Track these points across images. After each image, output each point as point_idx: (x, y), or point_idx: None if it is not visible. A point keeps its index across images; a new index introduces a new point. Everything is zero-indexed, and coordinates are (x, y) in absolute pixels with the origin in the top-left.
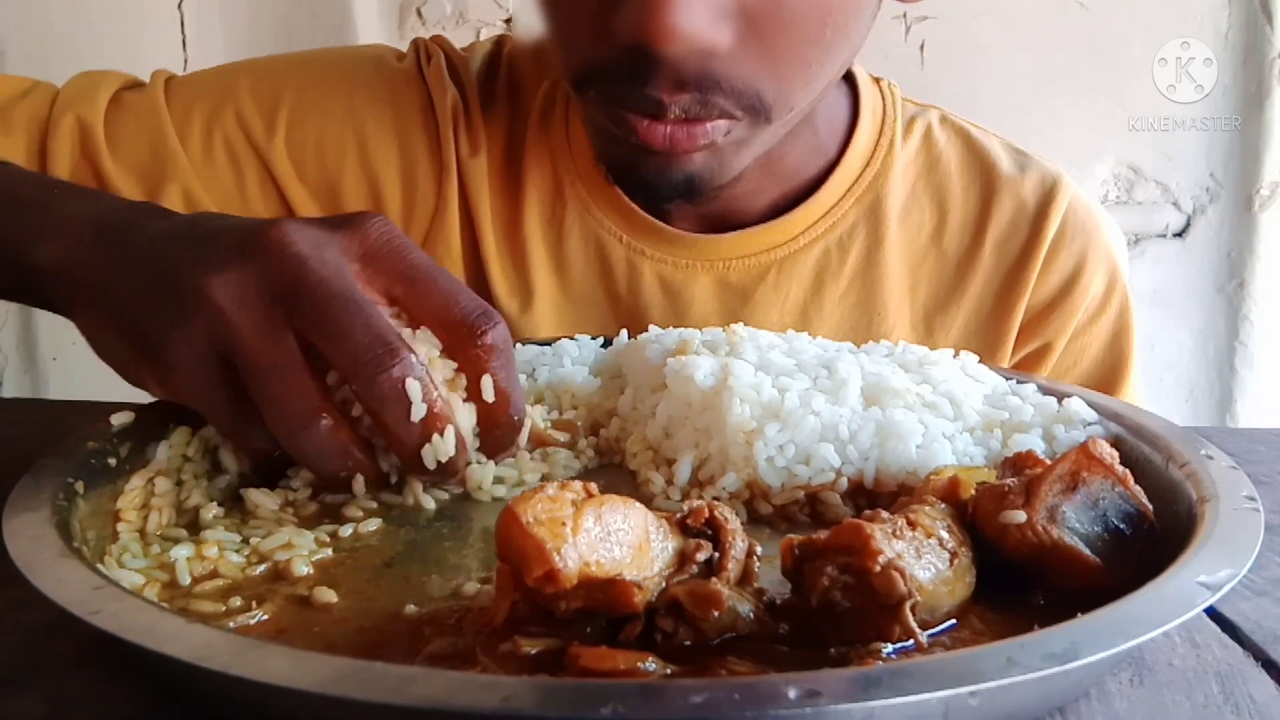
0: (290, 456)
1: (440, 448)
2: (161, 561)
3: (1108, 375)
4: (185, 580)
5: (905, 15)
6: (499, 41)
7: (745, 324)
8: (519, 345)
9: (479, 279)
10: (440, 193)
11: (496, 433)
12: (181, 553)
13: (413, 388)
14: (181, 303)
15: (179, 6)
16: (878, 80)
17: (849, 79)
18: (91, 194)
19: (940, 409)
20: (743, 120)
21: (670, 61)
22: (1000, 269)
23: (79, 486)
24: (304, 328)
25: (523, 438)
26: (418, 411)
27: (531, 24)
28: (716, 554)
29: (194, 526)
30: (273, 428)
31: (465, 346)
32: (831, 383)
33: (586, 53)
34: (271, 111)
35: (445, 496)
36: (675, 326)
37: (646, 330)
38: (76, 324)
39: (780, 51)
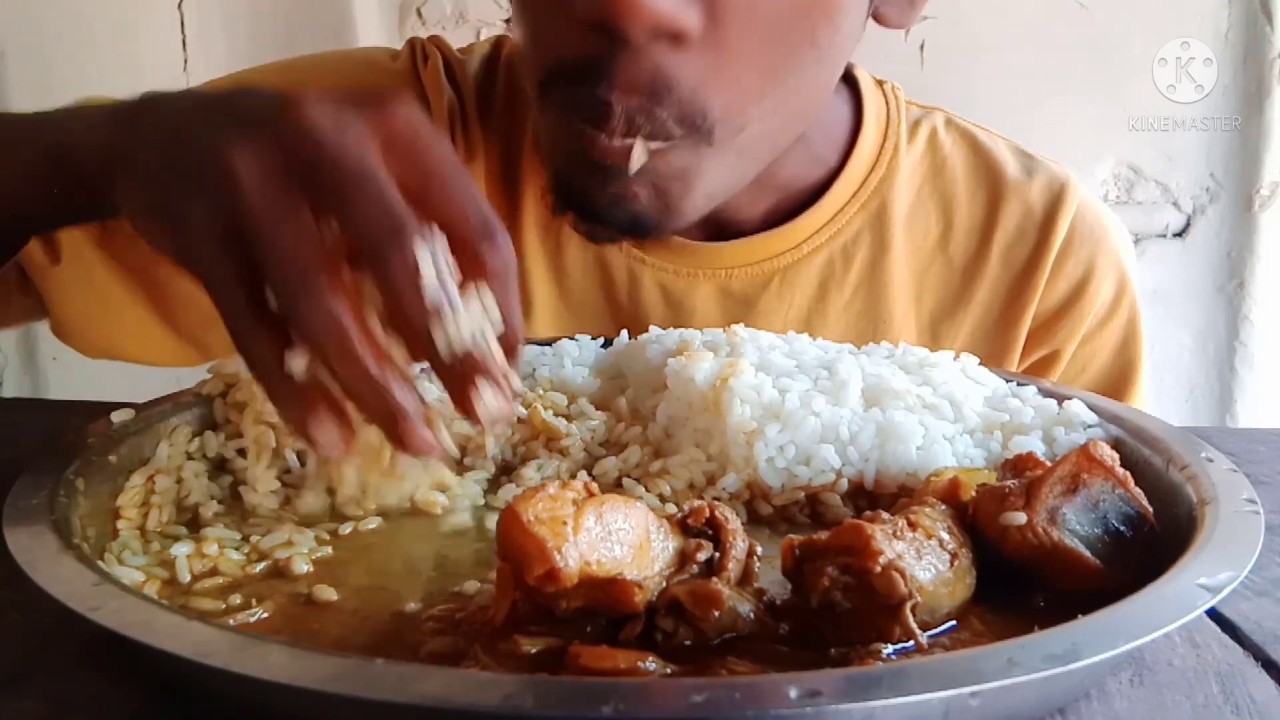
0: (294, 335)
1: (454, 330)
2: (161, 559)
3: (1117, 381)
4: (185, 578)
5: None
6: (497, 43)
7: None
8: None
9: None
10: None
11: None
12: (181, 550)
13: (424, 259)
14: (200, 170)
15: (179, 6)
16: (881, 83)
17: (851, 84)
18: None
19: (941, 411)
20: (681, 141)
21: (628, 50)
22: (1007, 276)
23: (79, 484)
24: (319, 201)
25: (510, 407)
26: (429, 281)
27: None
28: (717, 554)
29: (194, 524)
30: (275, 290)
31: (468, 256)
32: (832, 384)
33: (548, 46)
34: None
35: (446, 501)
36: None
37: None
38: (119, 204)
39: (740, 55)
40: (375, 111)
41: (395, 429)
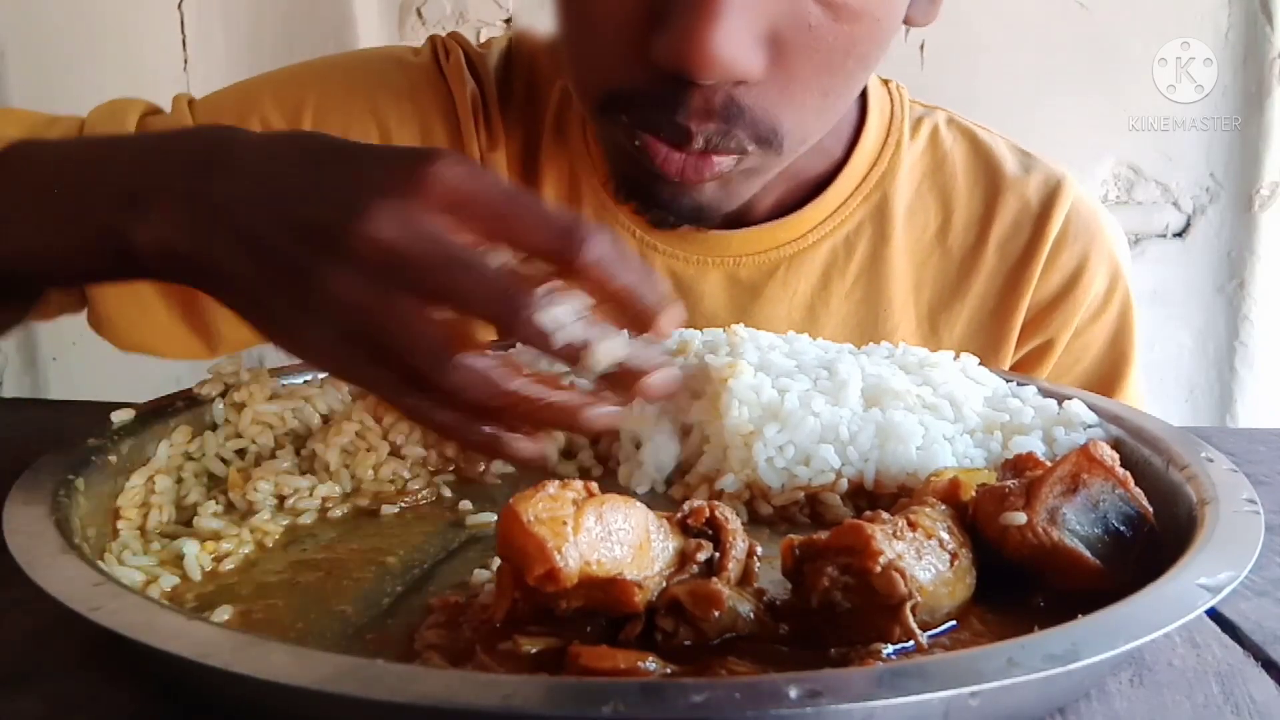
0: (454, 413)
1: (602, 355)
2: (163, 559)
3: (1109, 374)
4: (197, 575)
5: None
6: (513, 39)
7: (754, 319)
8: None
9: None
10: None
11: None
12: (185, 549)
13: (546, 316)
14: (299, 297)
15: (179, 6)
16: (886, 82)
17: None
18: (146, 145)
19: (940, 411)
20: (753, 154)
21: (703, 89)
22: (1004, 267)
23: (79, 484)
24: (425, 297)
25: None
26: (559, 335)
27: (535, 25)
28: (717, 554)
29: (194, 524)
30: (423, 377)
31: (571, 264)
32: (832, 384)
33: (615, 77)
34: (296, 114)
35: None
36: (686, 321)
37: None
38: (219, 302)
39: (802, 83)
40: (423, 183)
41: (577, 428)
